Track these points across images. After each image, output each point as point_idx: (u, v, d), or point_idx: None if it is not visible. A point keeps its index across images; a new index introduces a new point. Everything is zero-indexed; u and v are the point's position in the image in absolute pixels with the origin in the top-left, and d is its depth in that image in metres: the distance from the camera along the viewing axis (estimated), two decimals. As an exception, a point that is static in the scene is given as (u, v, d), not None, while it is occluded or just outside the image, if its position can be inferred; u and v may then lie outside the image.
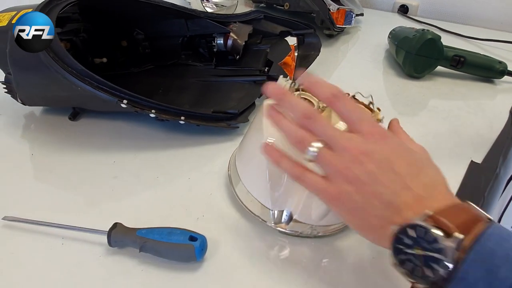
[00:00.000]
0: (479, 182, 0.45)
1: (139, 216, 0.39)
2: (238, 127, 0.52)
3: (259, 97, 0.57)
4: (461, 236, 0.25)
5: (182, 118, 0.48)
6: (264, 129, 0.37)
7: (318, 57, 0.68)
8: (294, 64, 0.64)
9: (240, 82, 0.60)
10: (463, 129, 0.56)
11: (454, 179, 0.46)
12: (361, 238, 0.38)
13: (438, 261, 0.25)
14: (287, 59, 0.62)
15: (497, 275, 0.23)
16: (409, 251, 0.27)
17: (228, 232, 0.38)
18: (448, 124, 0.58)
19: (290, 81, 0.39)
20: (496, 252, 0.24)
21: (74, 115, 0.55)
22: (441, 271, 0.25)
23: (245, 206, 0.39)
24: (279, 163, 0.32)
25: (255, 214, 0.39)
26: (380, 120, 0.38)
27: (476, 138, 0.54)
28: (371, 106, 0.40)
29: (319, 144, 0.30)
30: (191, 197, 0.42)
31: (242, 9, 1.15)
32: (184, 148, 0.50)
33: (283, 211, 0.37)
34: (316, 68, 0.71)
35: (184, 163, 0.47)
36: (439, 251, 0.25)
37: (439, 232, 0.25)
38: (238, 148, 0.45)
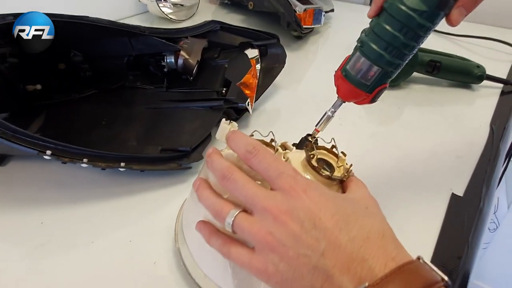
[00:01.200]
0: (462, 221, 0.40)
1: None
2: (190, 167, 0.46)
3: (215, 126, 0.50)
4: None
5: (122, 164, 0.41)
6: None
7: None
8: (256, 82, 0.58)
9: (194, 108, 0.53)
10: (441, 150, 0.51)
11: (435, 216, 0.41)
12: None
13: None
14: (247, 77, 0.56)
15: None
16: None
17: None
18: (425, 144, 0.53)
19: (234, 124, 0.32)
20: None
21: (1, 159, 0.47)
22: None
23: (197, 284, 0.33)
24: (209, 241, 0.29)
25: None
26: (348, 170, 0.32)
27: (456, 162, 0.49)
28: (334, 150, 0.34)
29: (234, 212, 0.27)
30: (132, 268, 0.35)
31: (206, 6, 1.07)
32: (128, 197, 0.43)
33: None
34: (283, 78, 0.64)
35: (126, 218, 0.41)
36: None
37: None
38: (187, 201, 0.38)
